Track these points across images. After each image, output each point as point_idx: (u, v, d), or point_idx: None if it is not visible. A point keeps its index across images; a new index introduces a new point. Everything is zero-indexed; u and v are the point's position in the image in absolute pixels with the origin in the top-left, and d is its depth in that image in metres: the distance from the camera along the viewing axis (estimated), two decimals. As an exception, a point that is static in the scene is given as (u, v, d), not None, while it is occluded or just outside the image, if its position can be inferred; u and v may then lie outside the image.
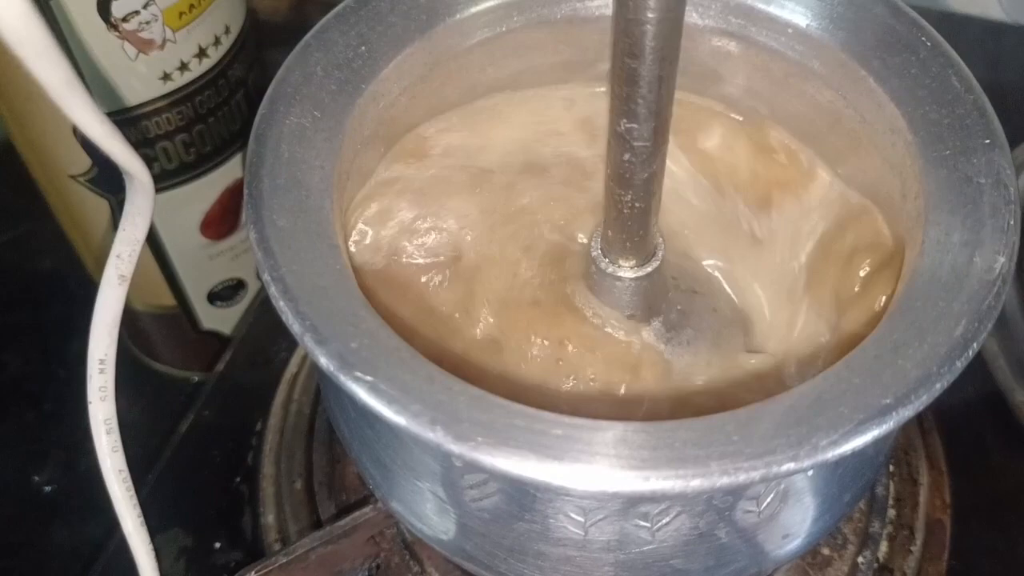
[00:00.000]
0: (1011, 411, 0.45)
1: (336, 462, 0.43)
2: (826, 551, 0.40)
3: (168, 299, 0.52)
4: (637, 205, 0.28)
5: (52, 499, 0.52)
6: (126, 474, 0.32)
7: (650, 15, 0.24)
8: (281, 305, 0.26)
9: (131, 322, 0.55)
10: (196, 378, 0.56)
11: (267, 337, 0.49)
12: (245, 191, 0.29)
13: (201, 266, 0.51)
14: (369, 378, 0.25)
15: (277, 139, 0.30)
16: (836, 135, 0.34)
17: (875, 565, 0.40)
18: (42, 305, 0.59)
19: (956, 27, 0.57)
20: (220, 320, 0.54)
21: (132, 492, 0.32)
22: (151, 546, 0.33)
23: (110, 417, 0.31)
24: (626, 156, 0.27)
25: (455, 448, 0.23)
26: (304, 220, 0.28)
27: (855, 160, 0.34)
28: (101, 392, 0.31)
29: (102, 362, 0.31)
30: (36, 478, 0.52)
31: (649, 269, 0.31)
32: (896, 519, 0.41)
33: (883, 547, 0.40)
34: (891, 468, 0.42)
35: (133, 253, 0.30)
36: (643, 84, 0.25)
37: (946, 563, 0.41)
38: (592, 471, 0.23)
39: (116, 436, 0.32)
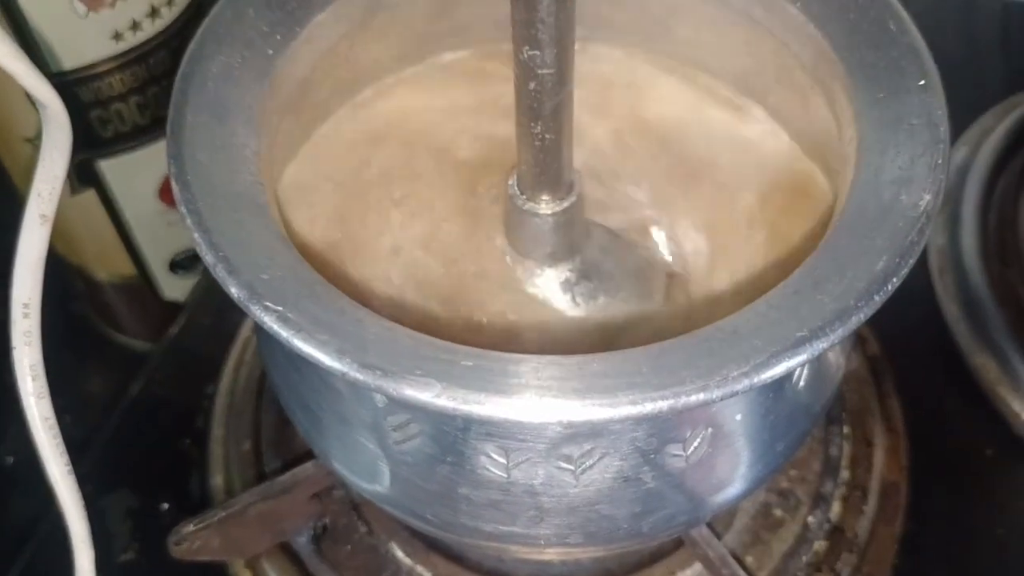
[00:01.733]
0: (970, 373, 0.45)
1: (286, 424, 0.43)
2: (778, 512, 0.40)
3: (128, 268, 0.52)
4: (548, 136, 0.27)
5: (12, 471, 0.51)
6: (53, 422, 0.32)
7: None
8: (196, 237, 0.26)
9: (94, 293, 0.54)
10: (157, 349, 0.56)
11: (221, 303, 0.48)
12: (168, 127, 0.28)
13: (160, 233, 0.50)
14: (279, 308, 0.24)
15: (203, 77, 0.30)
16: (780, 84, 0.34)
17: (827, 525, 0.40)
18: (2, 277, 0.58)
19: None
20: (182, 290, 0.54)
21: (60, 440, 0.32)
22: (80, 496, 0.33)
23: (36, 363, 0.31)
24: (532, 85, 0.26)
25: (360, 376, 0.23)
26: (226, 156, 0.28)
27: (799, 110, 0.34)
28: (26, 337, 0.31)
29: (26, 306, 0.30)
30: (-3, 449, 0.52)
31: (566, 204, 0.30)
32: (850, 480, 0.41)
33: (835, 508, 0.40)
34: (846, 430, 0.42)
35: (54, 191, 0.29)
36: (542, 8, 0.24)
37: (901, 524, 0.40)
38: (499, 400, 0.23)
39: (42, 382, 0.31)
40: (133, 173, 0.47)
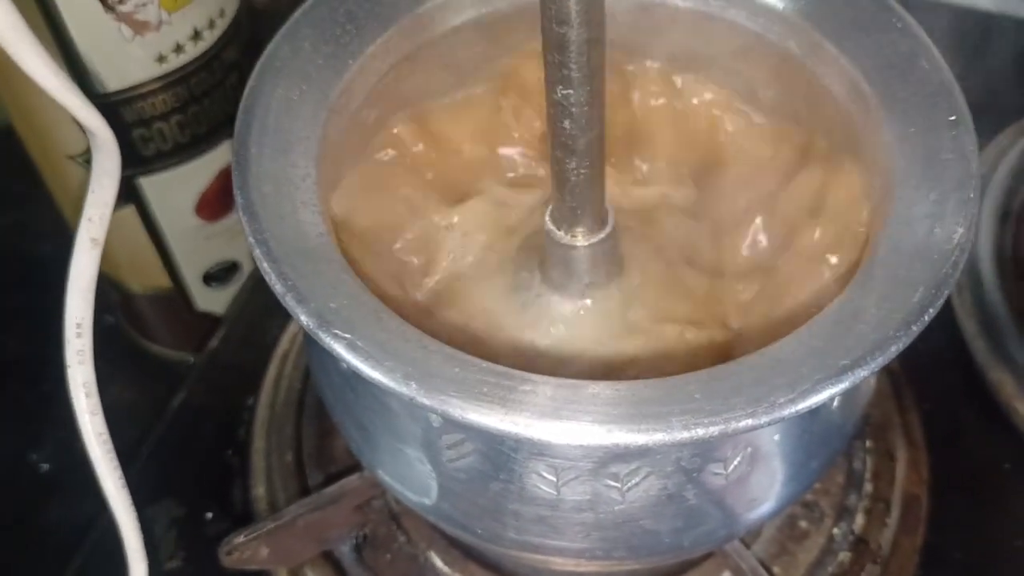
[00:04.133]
0: (989, 389, 0.46)
1: (325, 436, 0.44)
2: (803, 524, 0.41)
3: (164, 280, 0.53)
4: (582, 171, 0.28)
5: (48, 477, 0.52)
6: (106, 436, 0.33)
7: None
8: (265, 267, 0.27)
9: (127, 304, 0.55)
10: (191, 359, 0.57)
11: (259, 316, 0.50)
12: (232, 159, 0.30)
13: (196, 247, 0.52)
14: (347, 335, 0.26)
15: (265, 110, 0.31)
16: (813, 114, 0.35)
17: (851, 537, 0.41)
18: (41, 288, 0.59)
19: (942, 16, 0.58)
20: (214, 301, 0.55)
21: (113, 454, 0.33)
22: (133, 508, 0.34)
23: (89, 380, 0.32)
24: (566, 123, 0.27)
25: (426, 401, 0.24)
26: (288, 187, 0.29)
27: (830, 137, 0.35)
28: (79, 356, 0.32)
29: (79, 326, 0.31)
30: (33, 456, 0.53)
31: (602, 235, 0.31)
32: (873, 493, 0.42)
33: (859, 520, 0.41)
34: (868, 444, 0.43)
35: (104, 216, 0.31)
36: (573, 49, 0.25)
37: (922, 536, 0.42)
38: (557, 425, 0.24)
39: (96, 400, 0.32)
40: (172, 189, 0.48)
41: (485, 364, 0.26)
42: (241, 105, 0.31)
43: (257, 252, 0.27)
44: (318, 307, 0.26)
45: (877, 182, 0.31)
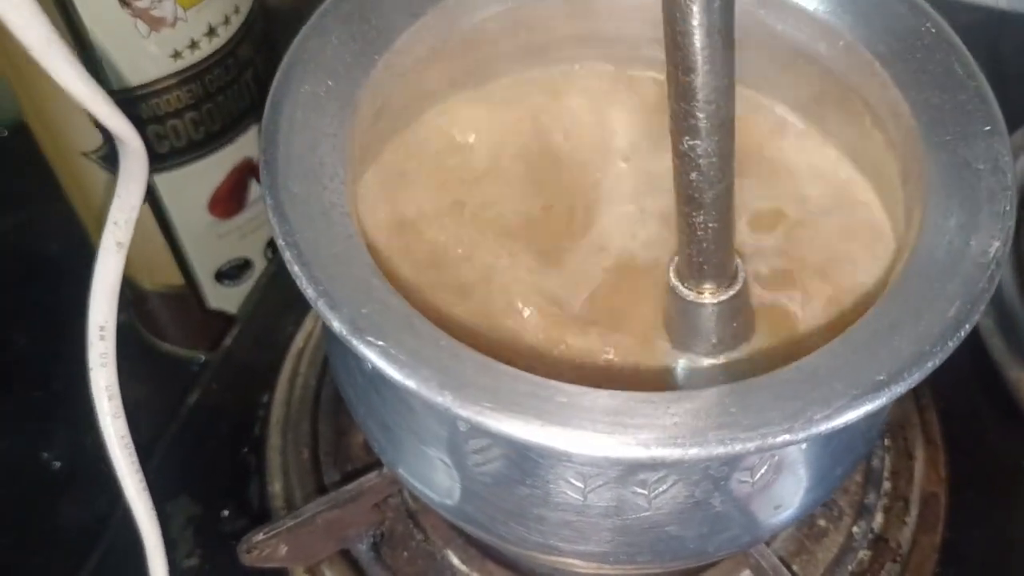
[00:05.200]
0: (1006, 387, 0.46)
1: (342, 433, 0.44)
2: (822, 522, 0.41)
3: (176, 278, 0.52)
4: (711, 225, 0.27)
5: (60, 475, 0.52)
6: (128, 439, 0.33)
7: (697, 24, 0.23)
8: (296, 270, 0.27)
9: (139, 302, 0.55)
10: (203, 357, 0.57)
11: (273, 314, 0.49)
12: (260, 157, 0.29)
13: (209, 245, 0.51)
14: (380, 343, 0.25)
15: (292, 106, 0.31)
16: (841, 116, 0.35)
17: (870, 535, 0.41)
18: (50, 286, 0.59)
19: (957, 14, 0.58)
20: (227, 299, 0.54)
21: (134, 457, 0.33)
22: (153, 510, 0.34)
23: (111, 383, 0.32)
24: (693, 175, 0.26)
25: (461, 412, 0.24)
26: (317, 187, 0.29)
27: (859, 141, 0.35)
28: (102, 358, 0.32)
29: (102, 328, 0.31)
30: (44, 455, 0.53)
31: (732, 292, 0.29)
32: (892, 491, 0.42)
33: (878, 518, 0.41)
34: (887, 442, 0.43)
35: (130, 220, 0.31)
36: (700, 98, 0.24)
37: (940, 534, 0.42)
38: (593, 438, 0.24)
39: (118, 402, 0.32)
40: (185, 186, 0.48)
41: (520, 373, 0.25)
42: (268, 100, 0.31)
43: (287, 255, 0.27)
44: (351, 313, 0.26)
45: (910, 190, 0.30)
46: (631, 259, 0.34)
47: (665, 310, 0.32)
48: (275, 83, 0.31)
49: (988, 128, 0.29)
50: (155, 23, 0.41)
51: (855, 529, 0.41)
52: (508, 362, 0.26)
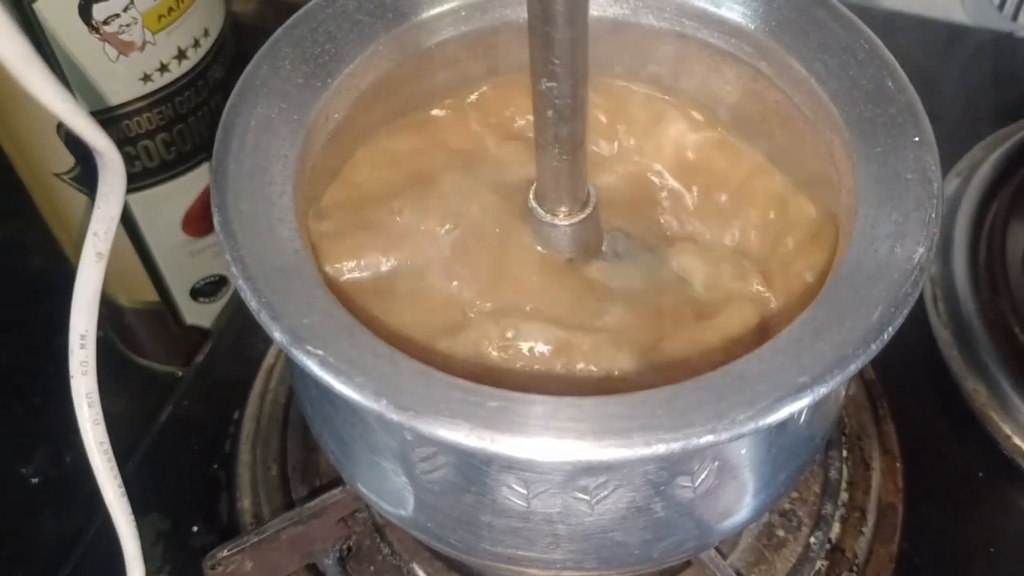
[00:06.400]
0: (963, 399, 0.47)
1: (311, 449, 0.45)
2: (781, 532, 0.42)
3: (152, 295, 0.53)
4: (564, 157, 0.31)
5: (39, 491, 0.53)
6: (107, 446, 0.33)
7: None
8: (240, 284, 0.28)
9: (116, 318, 0.56)
10: (179, 372, 0.58)
11: (246, 330, 0.50)
12: (211, 177, 0.30)
13: (183, 262, 0.52)
14: (319, 352, 0.26)
15: (244, 128, 0.32)
16: (783, 133, 0.36)
17: (827, 545, 0.41)
18: (30, 302, 0.60)
19: (919, 30, 0.59)
20: (203, 315, 0.55)
21: (113, 463, 0.34)
22: (132, 516, 0.35)
23: (91, 391, 0.33)
24: (549, 112, 0.29)
25: (396, 418, 0.25)
26: (266, 205, 0.30)
27: (799, 156, 0.36)
28: (83, 366, 0.32)
29: (83, 337, 0.32)
30: (23, 470, 0.53)
31: (582, 216, 0.33)
32: (849, 502, 0.42)
33: (835, 528, 0.42)
34: (844, 453, 0.44)
35: (109, 231, 0.31)
36: (557, 47, 0.27)
37: (897, 544, 0.42)
38: (522, 441, 0.25)
39: (98, 409, 0.33)
40: (158, 206, 0.49)
41: (453, 380, 0.26)
42: (220, 124, 0.32)
43: (233, 269, 0.28)
44: (292, 323, 0.27)
45: (842, 201, 0.31)
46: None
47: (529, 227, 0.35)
48: (227, 107, 0.32)
49: (917, 139, 0.30)
50: (124, 47, 0.42)
51: (812, 539, 0.41)
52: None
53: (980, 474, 0.45)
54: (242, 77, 0.33)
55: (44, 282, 0.59)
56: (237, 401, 0.47)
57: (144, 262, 0.51)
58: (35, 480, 0.53)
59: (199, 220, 0.51)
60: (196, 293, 0.54)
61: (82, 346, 0.32)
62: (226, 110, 0.32)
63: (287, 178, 0.31)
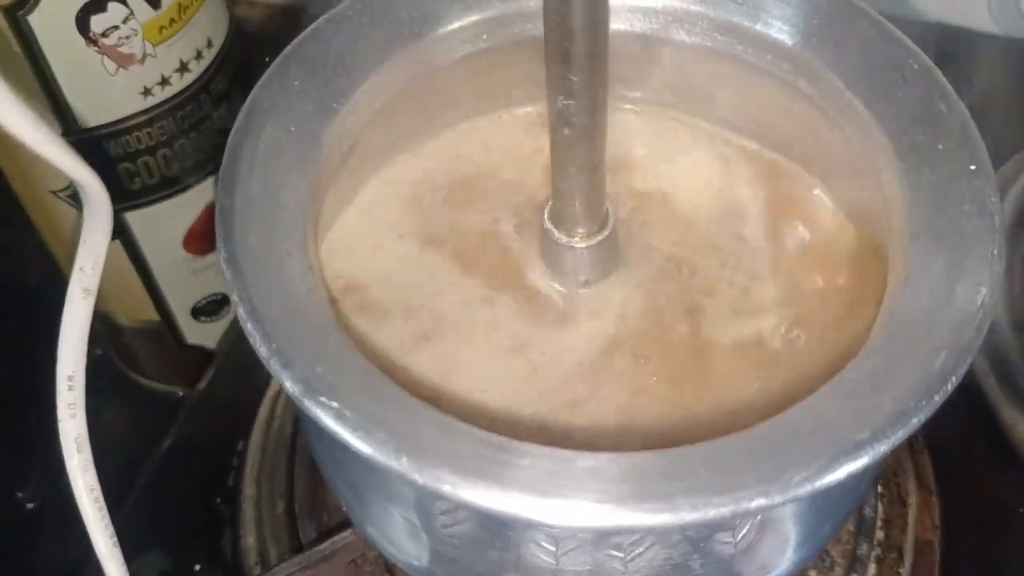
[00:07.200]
0: (1001, 429, 0.45)
1: (318, 484, 0.43)
2: (813, 574, 0.40)
3: (152, 314, 0.52)
4: (581, 177, 0.29)
5: (35, 516, 0.51)
6: (98, 492, 0.32)
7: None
8: (248, 327, 0.26)
9: (116, 336, 0.54)
10: (180, 392, 0.56)
11: (250, 353, 0.48)
12: (216, 206, 0.28)
13: (185, 281, 0.50)
14: (334, 404, 0.24)
15: (252, 153, 0.30)
16: (823, 156, 0.34)
17: (863, 588, 0.39)
18: (28, 317, 0.58)
19: (944, 38, 0.57)
20: (204, 335, 0.54)
21: (104, 511, 0.32)
22: (124, 566, 0.33)
23: (80, 434, 0.31)
24: (566, 131, 0.28)
25: (419, 479, 0.23)
26: (276, 238, 0.28)
27: (842, 181, 0.34)
28: (71, 409, 0.31)
29: (71, 379, 0.30)
30: (19, 494, 0.52)
31: (600, 238, 0.32)
32: (885, 541, 0.40)
33: (871, 569, 0.40)
34: (880, 489, 0.41)
35: (97, 265, 0.30)
36: (574, 62, 0.26)
37: (935, 584, 0.40)
38: (557, 504, 0.23)
39: (87, 454, 0.31)
40: (159, 223, 0.47)
41: (483, 434, 0.24)
42: (227, 147, 0.30)
43: (240, 311, 0.26)
44: (304, 372, 0.25)
45: (891, 233, 0.29)
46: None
47: (540, 250, 0.34)
48: (234, 129, 0.30)
49: (973, 167, 0.28)
50: (123, 60, 0.41)
51: (848, 581, 0.40)
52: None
53: (1021, 509, 0.43)
54: (249, 98, 0.31)
55: (42, 297, 0.57)
56: (241, 430, 0.45)
57: (144, 281, 0.49)
58: (31, 506, 0.52)
59: (201, 238, 0.49)
60: (197, 312, 0.52)
61: (70, 388, 0.30)
62: (232, 133, 0.30)
63: (299, 208, 0.29)
